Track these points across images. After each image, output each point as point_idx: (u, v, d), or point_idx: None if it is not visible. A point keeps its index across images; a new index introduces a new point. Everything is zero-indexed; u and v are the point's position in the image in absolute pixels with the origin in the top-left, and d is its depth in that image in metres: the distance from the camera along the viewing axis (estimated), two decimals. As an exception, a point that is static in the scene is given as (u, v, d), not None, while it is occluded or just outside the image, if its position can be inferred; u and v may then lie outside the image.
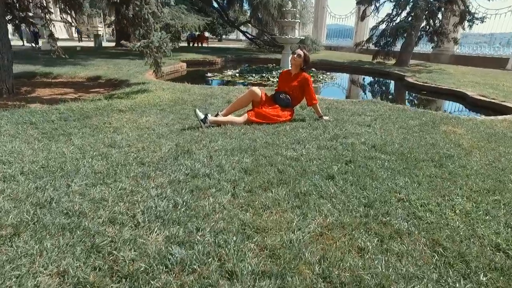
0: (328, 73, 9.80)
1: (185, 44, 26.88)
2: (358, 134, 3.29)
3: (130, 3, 4.19)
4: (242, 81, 7.96)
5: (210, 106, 4.38)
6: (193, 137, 3.02)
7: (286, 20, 8.52)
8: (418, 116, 4.16)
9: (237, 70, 9.45)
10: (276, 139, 3.02)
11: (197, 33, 27.88)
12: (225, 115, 3.55)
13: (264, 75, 8.45)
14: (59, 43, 5.91)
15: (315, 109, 3.83)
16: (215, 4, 20.55)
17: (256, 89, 3.64)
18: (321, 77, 8.75)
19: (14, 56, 9.87)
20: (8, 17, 6.04)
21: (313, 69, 10.09)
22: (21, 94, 4.61)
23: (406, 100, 7.39)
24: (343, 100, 4.97)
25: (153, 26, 4.50)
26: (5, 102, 4.12)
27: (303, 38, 9.44)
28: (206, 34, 37.75)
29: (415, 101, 7.06)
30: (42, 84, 5.51)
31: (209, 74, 8.92)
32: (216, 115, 3.51)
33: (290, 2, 8.63)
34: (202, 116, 3.27)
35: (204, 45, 26.70)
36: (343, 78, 10.41)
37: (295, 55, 3.67)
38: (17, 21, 6.15)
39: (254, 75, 8.53)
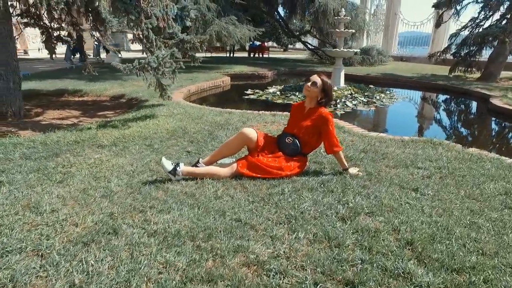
0: (388, 91, 8.26)
1: (245, 54, 26.92)
2: (393, 209, 2.12)
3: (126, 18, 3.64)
4: (280, 101, 7.02)
5: (213, 141, 3.55)
6: (146, 199, 2.21)
7: (338, 30, 7.34)
8: (503, 174, 2.74)
9: (281, 87, 8.53)
10: (257, 214, 2.04)
11: (258, 43, 27.88)
12: (208, 163, 2.68)
13: (307, 93, 7.35)
14: (129, 55, 5.61)
15: (337, 158, 2.73)
16: (275, 13, 19.98)
17: (249, 131, 2.69)
18: (378, 97, 7.32)
19: (72, 70, 10.44)
20: (45, 37, 6.12)
21: (371, 86, 8.66)
22: (28, 117, 4.41)
23: (488, 136, 5.59)
24: (389, 138, 3.70)
25: (155, 43, 3.89)
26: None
27: (357, 51, 8.12)
28: (268, 44, 37.59)
29: (503, 139, 5.25)
30: (60, 104, 5.35)
31: (248, 91, 8.17)
32: (196, 163, 2.67)
33: (343, 10, 7.43)
34: (169, 167, 2.45)
35: (265, 55, 26.30)
36: (406, 98, 8.65)
37: (309, 83, 2.64)
38: (54, 40, 6.20)
39: (297, 93, 7.51)
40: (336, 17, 7.63)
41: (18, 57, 3.86)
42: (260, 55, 26.17)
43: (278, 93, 7.78)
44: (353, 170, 2.70)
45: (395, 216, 2.04)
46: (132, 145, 3.32)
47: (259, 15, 23.55)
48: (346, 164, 2.71)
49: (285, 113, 4.97)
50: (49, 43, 6.25)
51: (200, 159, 2.72)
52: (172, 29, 4.14)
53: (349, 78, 10.95)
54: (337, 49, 7.47)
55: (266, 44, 30.10)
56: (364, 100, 6.87)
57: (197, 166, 2.64)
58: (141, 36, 3.92)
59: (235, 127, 4.10)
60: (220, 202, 2.20)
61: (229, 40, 11.18)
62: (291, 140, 2.66)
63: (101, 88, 6.50)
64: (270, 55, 26.55)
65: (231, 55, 25.90)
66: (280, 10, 21.78)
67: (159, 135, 3.67)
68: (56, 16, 5.85)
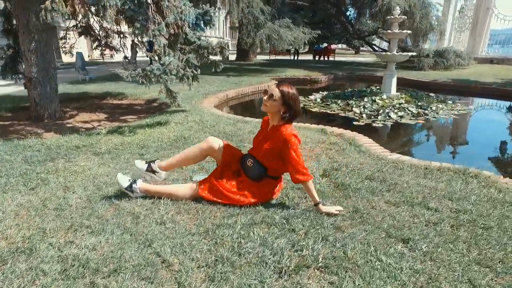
0: (451, 101, 7.00)
1: (308, 57, 26.26)
2: (356, 267, 1.64)
3: (131, 25, 3.68)
4: (316, 109, 6.49)
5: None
6: (91, 216, 2.11)
7: (389, 31, 6.49)
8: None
9: (323, 94, 7.96)
10: (185, 250, 1.77)
11: (324, 45, 26.93)
12: (167, 168, 2.45)
13: (350, 102, 6.69)
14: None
15: (305, 189, 2.21)
16: (342, 14, 18.99)
17: (215, 141, 2.38)
18: (434, 108, 6.24)
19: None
20: (96, 44, 6.68)
21: (431, 95, 7.51)
22: (62, 119, 4.79)
23: None
24: (411, 164, 3.02)
25: (163, 50, 3.86)
26: (31, 128, 4.28)
27: (413, 54, 7.04)
28: (339, 46, 35.99)
29: None
30: (96, 106, 5.71)
31: (289, 97, 7.78)
32: (150, 164, 2.42)
33: (397, 8, 6.52)
34: (125, 184, 2.31)
35: (331, 58, 25.25)
36: (473, 110, 7.18)
37: (266, 97, 2.17)
38: (102, 47, 6.74)
39: (339, 101, 6.88)
40: (388, 17, 6.76)
41: (105, 61, 4.06)
42: (326, 58, 25.21)
43: (319, 100, 7.23)
44: (326, 208, 2.17)
45: (352, 277, 1.57)
46: (125, 154, 3.30)
47: (328, 16, 22.76)
48: (316, 197, 2.18)
49: (306, 124, 4.53)
50: (100, 49, 6.79)
51: (157, 160, 2.47)
52: (189, 34, 4.07)
53: (409, 84, 9.76)
54: (388, 53, 6.61)
55: (332, 46, 28.94)
56: (414, 111, 5.92)
57: (152, 168, 2.42)
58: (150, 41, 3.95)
59: (241, 139, 3.83)
60: (159, 229, 1.98)
61: (279, 43, 10.89)
62: (252, 162, 2.28)
63: (141, 91, 6.82)
64: (337, 58, 25.39)
65: (295, 58, 25.53)
66: (351, 11, 20.77)
67: (157, 144, 3.61)
68: (104, 26, 6.33)
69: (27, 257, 1.72)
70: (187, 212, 2.18)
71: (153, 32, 3.67)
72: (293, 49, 25.42)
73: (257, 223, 2.04)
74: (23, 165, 2.98)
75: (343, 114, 5.92)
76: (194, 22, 4.43)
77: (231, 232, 1.94)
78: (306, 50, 39.58)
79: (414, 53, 7.08)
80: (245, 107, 7.76)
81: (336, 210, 2.16)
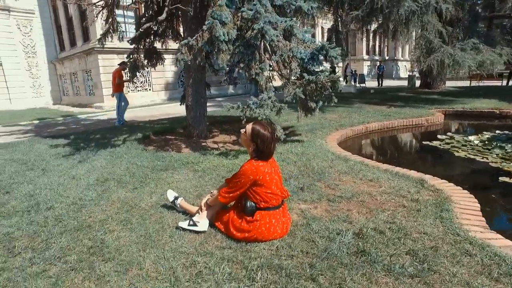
0: None
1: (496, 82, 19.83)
2: None
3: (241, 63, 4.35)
4: (463, 154, 5.08)
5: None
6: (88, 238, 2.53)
7: None
8: None
9: (494, 134, 6.08)
10: None
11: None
12: (183, 208, 2.83)
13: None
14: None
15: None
16: None
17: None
18: None
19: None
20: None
21: None
22: (206, 138, 6.06)
23: None
24: (497, 252, 2.06)
25: (265, 86, 4.29)
26: (180, 143, 5.69)
27: None
28: None
29: None
30: (237, 129, 6.73)
31: (441, 137, 6.42)
32: (174, 204, 2.88)
33: None
34: (171, 198, 2.93)
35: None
36: None
37: (243, 130, 2.43)
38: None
39: (509, 146, 5.12)
40: None
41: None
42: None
43: (478, 141, 5.62)
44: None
45: None
46: (212, 174, 3.91)
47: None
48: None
49: (411, 172, 3.78)
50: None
51: (181, 198, 2.86)
52: (294, 70, 4.41)
53: None
54: None
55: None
56: None
57: (174, 204, 2.85)
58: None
59: (320, 177, 3.70)
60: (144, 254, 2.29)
61: (455, 69, 9.07)
62: (244, 199, 2.44)
63: (282, 119, 7.44)
64: None
65: (508, 83, 19.90)
66: None
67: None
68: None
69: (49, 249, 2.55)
70: (191, 242, 2.46)
71: (256, 71, 4.23)
72: (508, 72, 20.06)
73: (238, 272, 2.07)
74: (147, 171, 4.16)
75: (495, 165, 4.41)
76: (309, 58, 4.70)
77: (196, 278, 1.99)
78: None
79: None
80: (377, 142, 7.06)
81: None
